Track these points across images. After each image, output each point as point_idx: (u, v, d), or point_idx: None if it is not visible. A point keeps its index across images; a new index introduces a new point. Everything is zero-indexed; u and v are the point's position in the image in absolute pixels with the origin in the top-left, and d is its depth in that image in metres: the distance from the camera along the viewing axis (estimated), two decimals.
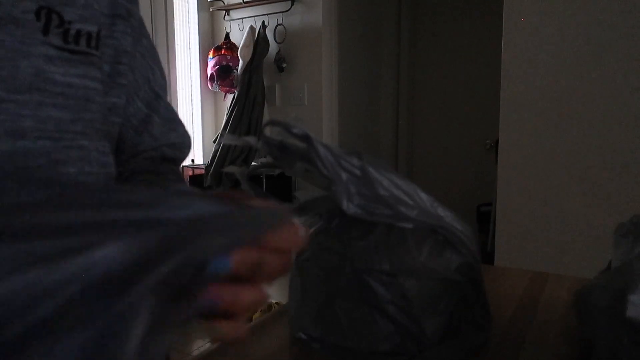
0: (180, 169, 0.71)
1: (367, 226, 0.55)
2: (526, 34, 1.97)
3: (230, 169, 2.75)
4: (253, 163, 2.88)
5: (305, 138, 0.48)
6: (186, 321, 0.26)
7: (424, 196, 0.56)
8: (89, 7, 0.48)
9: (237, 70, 2.94)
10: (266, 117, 2.99)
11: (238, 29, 3.07)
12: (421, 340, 0.54)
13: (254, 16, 2.98)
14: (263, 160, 3.01)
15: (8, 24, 0.42)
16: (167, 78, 0.73)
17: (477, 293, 0.59)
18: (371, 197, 0.52)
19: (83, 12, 0.47)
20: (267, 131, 0.50)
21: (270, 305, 2.97)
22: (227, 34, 3.08)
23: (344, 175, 0.51)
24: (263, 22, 2.92)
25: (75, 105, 0.47)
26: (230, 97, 3.04)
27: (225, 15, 3.14)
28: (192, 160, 3.16)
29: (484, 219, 3.06)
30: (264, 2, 2.91)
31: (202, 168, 3.01)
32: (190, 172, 3.11)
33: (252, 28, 2.95)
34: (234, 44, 3.00)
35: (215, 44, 3.07)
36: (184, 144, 0.66)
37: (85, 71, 0.48)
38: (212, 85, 3.04)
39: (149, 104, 0.60)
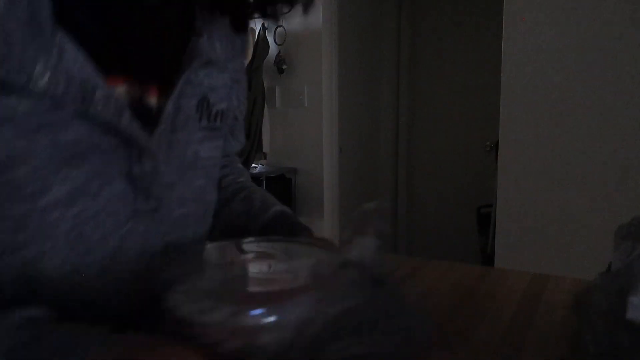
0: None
1: None
2: (526, 34, 1.97)
3: None
4: (253, 165, 2.88)
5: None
6: None
7: None
8: (225, 86, 0.53)
9: None
10: (266, 118, 2.99)
11: None
12: None
13: (254, 18, 2.97)
14: (263, 165, 3.02)
15: (188, 121, 0.47)
16: None
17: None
18: None
19: (222, 93, 0.52)
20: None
21: None
22: None
23: None
24: (263, 23, 2.92)
25: (210, 173, 0.54)
26: None
27: None
28: None
29: (484, 221, 3.05)
30: None
31: None
32: None
33: (251, 30, 2.95)
34: None
35: None
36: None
37: (217, 143, 0.54)
38: None
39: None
